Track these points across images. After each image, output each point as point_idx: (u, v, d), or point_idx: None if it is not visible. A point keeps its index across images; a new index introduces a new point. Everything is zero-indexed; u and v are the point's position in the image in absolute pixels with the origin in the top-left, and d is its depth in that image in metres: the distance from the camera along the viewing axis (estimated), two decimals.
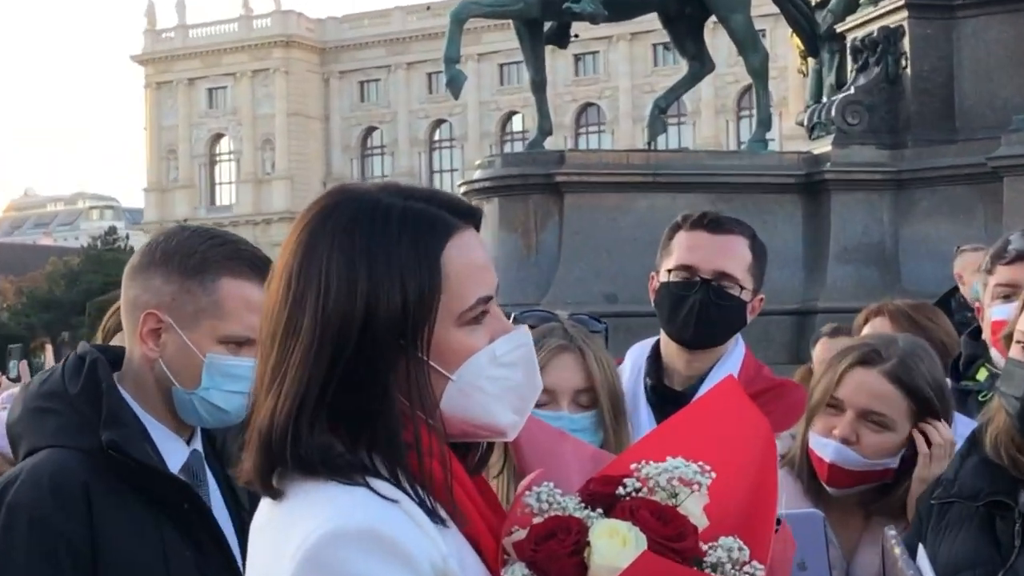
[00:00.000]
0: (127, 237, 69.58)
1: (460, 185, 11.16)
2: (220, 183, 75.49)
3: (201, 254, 2.18)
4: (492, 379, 1.49)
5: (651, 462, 1.50)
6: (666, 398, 3.03)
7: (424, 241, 1.48)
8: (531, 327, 2.39)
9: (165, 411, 2.19)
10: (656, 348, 3.17)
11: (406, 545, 1.39)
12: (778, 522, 1.64)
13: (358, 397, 1.45)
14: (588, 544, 1.43)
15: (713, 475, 1.48)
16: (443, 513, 1.44)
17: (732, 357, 3.09)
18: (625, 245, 9.69)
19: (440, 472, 1.45)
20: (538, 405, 2.26)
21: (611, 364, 2.37)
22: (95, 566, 2.02)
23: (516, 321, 2.45)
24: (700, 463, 1.49)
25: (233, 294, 2.14)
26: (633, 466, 1.51)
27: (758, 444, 1.55)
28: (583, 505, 1.50)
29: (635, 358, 3.17)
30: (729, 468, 1.51)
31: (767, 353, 8.43)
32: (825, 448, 2.51)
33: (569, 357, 2.34)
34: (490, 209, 10.17)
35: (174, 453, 2.17)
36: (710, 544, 1.44)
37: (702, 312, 2.99)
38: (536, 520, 1.48)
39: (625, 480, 1.49)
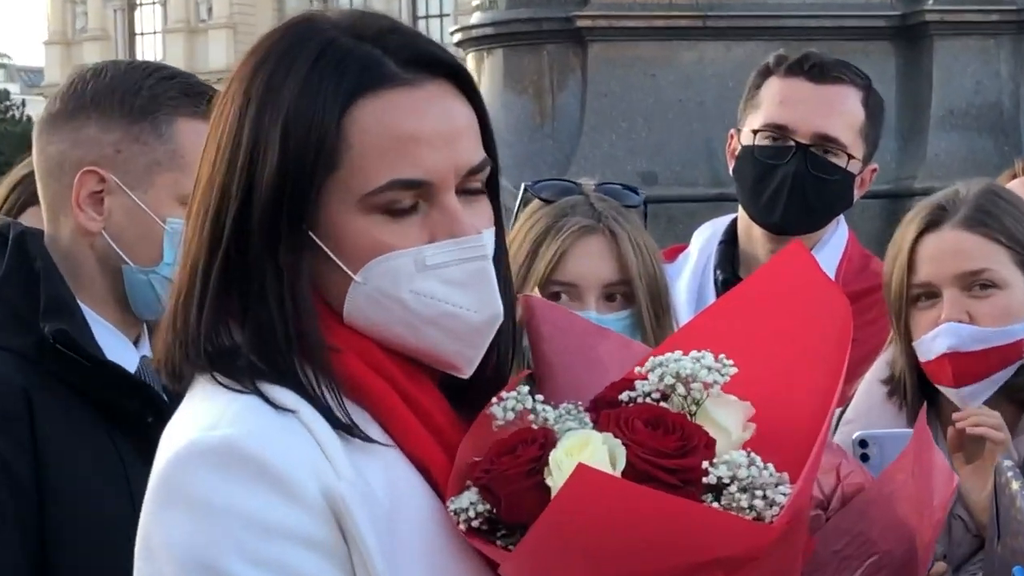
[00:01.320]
0: (23, 104, 69.34)
1: (453, 32, 11.06)
2: (142, 33, 74.97)
3: (149, 90, 2.15)
4: (420, 296, 1.50)
5: (667, 356, 1.50)
6: None
7: (327, 91, 1.48)
8: (547, 201, 2.38)
9: (110, 302, 2.17)
10: (732, 231, 3.12)
11: (278, 464, 1.44)
12: (863, 444, 1.66)
13: (251, 282, 1.49)
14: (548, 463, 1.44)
15: (729, 372, 1.47)
16: (373, 429, 1.48)
17: (831, 245, 3.07)
18: (666, 109, 9.64)
19: (367, 377, 1.49)
20: (559, 302, 2.29)
21: (651, 249, 2.36)
22: (40, 496, 2.03)
23: (527, 192, 2.44)
24: (721, 356, 1.48)
25: (195, 139, 2.09)
26: (639, 369, 1.52)
27: (831, 330, 1.56)
28: (577, 415, 1.50)
29: (703, 244, 3.14)
30: (796, 363, 1.52)
31: None
32: (935, 341, 2.49)
33: (596, 241, 2.34)
34: (492, 64, 10.09)
35: (122, 357, 2.17)
36: (710, 461, 1.43)
37: (796, 187, 2.95)
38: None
39: (636, 382, 1.50)
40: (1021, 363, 2.51)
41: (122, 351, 2.17)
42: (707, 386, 1.47)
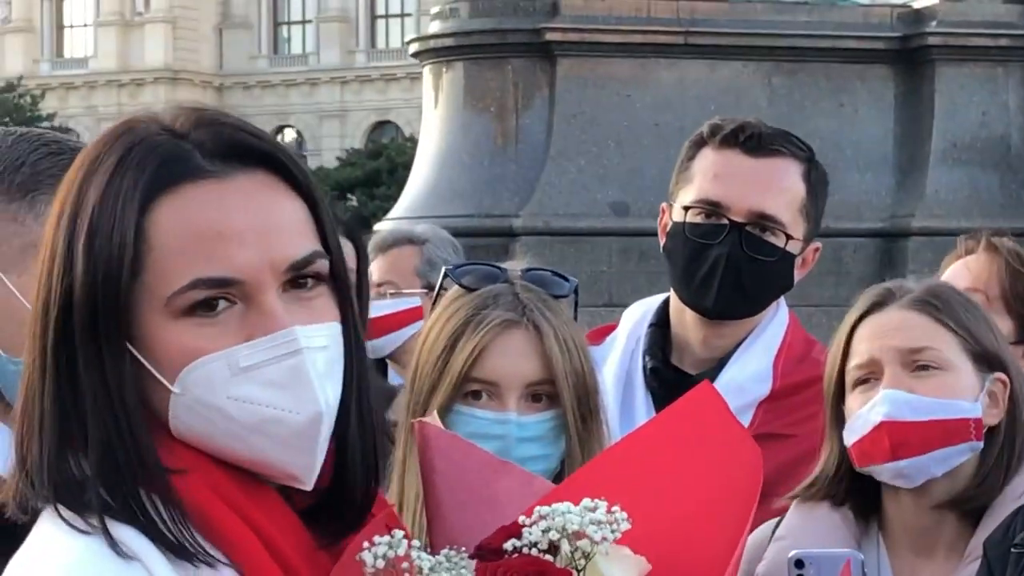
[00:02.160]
0: None
1: (410, 43, 11.08)
2: (71, 26, 74.87)
3: (31, 166, 2.15)
4: (238, 401, 1.51)
5: (554, 507, 1.51)
6: (673, 385, 3.02)
7: (127, 191, 1.50)
8: (468, 289, 2.37)
9: None
10: (664, 313, 3.14)
11: None
12: (799, 564, 1.65)
13: (83, 402, 1.51)
14: None
15: (621, 527, 1.49)
16: (225, 569, 1.49)
17: (769, 331, 3.08)
18: (641, 134, 9.68)
19: (209, 503, 1.50)
20: (478, 402, 2.30)
21: (580, 345, 2.36)
22: None
23: (446, 276, 2.43)
24: (615, 507, 1.49)
25: None
26: (523, 519, 1.53)
27: (740, 480, 1.57)
28: (456, 564, 1.51)
29: (632, 326, 3.15)
30: (701, 513, 1.53)
31: (838, 290, 8.46)
32: (871, 412, 2.48)
33: (519, 336, 2.33)
34: (452, 79, 10.10)
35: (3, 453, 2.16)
36: None
37: (731, 269, 2.97)
38: None
39: (524, 529, 1.51)
40: (966, 455, 2.50)
41: (4, 447, 2.17)
42: (596, 542, 1.48)
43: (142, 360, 1.51)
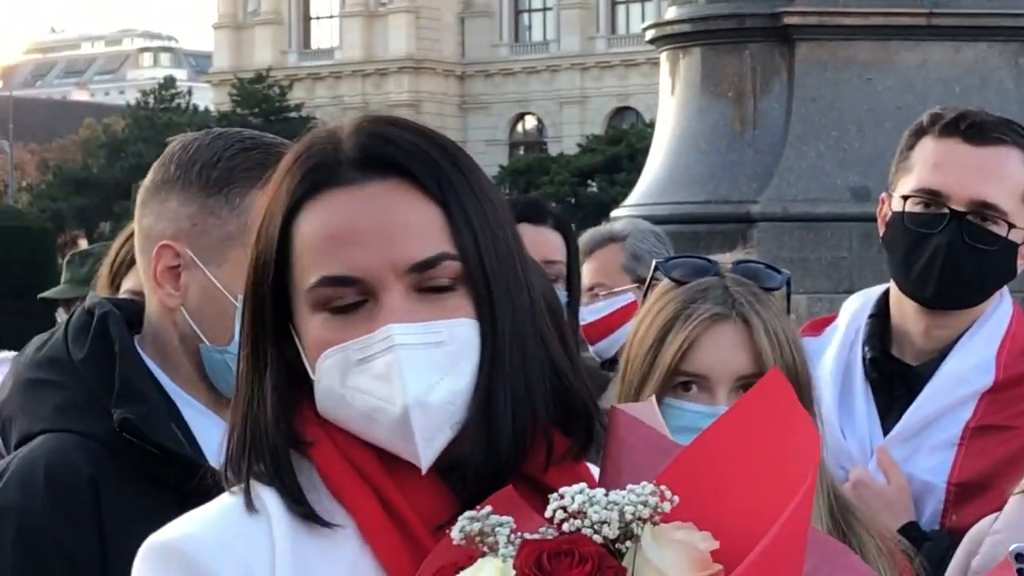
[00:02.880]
0: (189, 92, 71.17)
1: (646, 29, 11.07)
2: (317, 18, 76.45)
3: (226, 161, 2.24)
4: (355, 391, 1.67)
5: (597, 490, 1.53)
6: (894, 376, 2.99)
7: (282, 197, 1.70)
8: (678, 282, 2.37)
9: (195, 380, 2.26)
10: (883, 303, 3.11)
11: (208, 567, 1.65)
12: (1020, 558, 1.61)
13: (258, 379, 1.72)
14: None
15: (663, 507, 1.50)
16: (349, 530, 1.67)
17: (992, 321, 3.03)
18: (883, 118, 9.51)
19: (343, 476, 1.68)
20: (688, 394, 2.31)
21: (791, 338, 2.34)
22: None
23: (656, 270, 2.44)
24: (661, 487, 1.51)
25: None
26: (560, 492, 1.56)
27: (796, 458, 1.56)
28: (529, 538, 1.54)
29: (851, 317, 3.13)
30: (763, 498, 1.53)
31: None
32: None
33: (728, 330, 2.33)
34: (689, 64, 10.08)
35: (209, 433, 2.24)
36: None
37: (951, 258, 2.93)
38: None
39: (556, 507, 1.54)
40: None
41: (208, 427, 2.23)
42: (643, 521, 1.49)
43: (300, 348, 1.70)
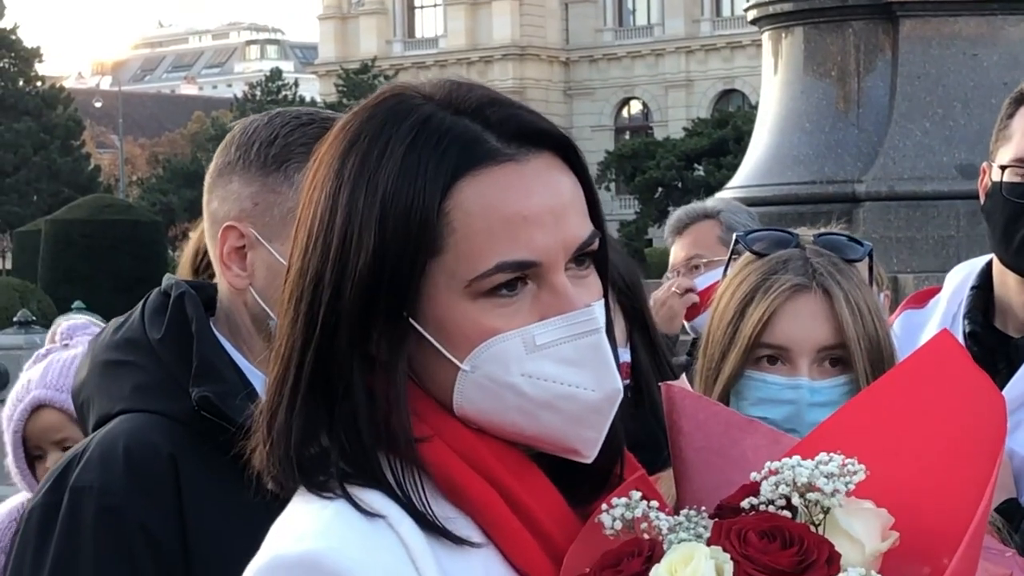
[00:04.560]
0: (296, 84, 71.62)
1: (748, 9, 11.02)
2: (422, 7, 76.58)
3: (283, 138, 2.27)
4: (533, 378, 1.53)
5: (784, 462, 1.49)
6: (995, 348, 2.96)
7: (427, 172, 1.51)
8: (759, 254, 2.37)
9: (268, 356, 2.29)
10: (987, 274, 3.07)
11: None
12: None
13: (338, 379, 1.54)
14: None
15: (855, 479, 1.46)
16: (470, 530, 1.52)
17: None
18: (990, 94, 9.40)
19: (464, 476, 1.53)
20: (770, 367, 2.30)
21: (873, 309, 2.32)
22: (186, 563, 2.14)
23: (737, 243, 2.43)
24: (850, 460, 1.47)
25: None
26: (754, 475, 1.52)
27: (984, 427, 1.53)
28: (695, 523, 1.50)
29: (955, 288, 3.09)
30: (944, 463, 1.50)
31: None
32: None
33: (808, 301, 2.31)
34: (791, 44, 10.02)
35: None
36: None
37: None
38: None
39: (763, 484, 1.50)
40: None
41: None
42: (827, 495, 1.46)
43: (429, 338, 1.54)
